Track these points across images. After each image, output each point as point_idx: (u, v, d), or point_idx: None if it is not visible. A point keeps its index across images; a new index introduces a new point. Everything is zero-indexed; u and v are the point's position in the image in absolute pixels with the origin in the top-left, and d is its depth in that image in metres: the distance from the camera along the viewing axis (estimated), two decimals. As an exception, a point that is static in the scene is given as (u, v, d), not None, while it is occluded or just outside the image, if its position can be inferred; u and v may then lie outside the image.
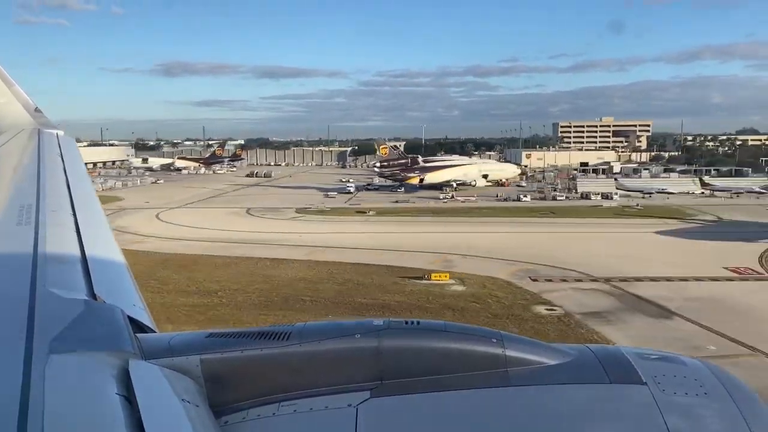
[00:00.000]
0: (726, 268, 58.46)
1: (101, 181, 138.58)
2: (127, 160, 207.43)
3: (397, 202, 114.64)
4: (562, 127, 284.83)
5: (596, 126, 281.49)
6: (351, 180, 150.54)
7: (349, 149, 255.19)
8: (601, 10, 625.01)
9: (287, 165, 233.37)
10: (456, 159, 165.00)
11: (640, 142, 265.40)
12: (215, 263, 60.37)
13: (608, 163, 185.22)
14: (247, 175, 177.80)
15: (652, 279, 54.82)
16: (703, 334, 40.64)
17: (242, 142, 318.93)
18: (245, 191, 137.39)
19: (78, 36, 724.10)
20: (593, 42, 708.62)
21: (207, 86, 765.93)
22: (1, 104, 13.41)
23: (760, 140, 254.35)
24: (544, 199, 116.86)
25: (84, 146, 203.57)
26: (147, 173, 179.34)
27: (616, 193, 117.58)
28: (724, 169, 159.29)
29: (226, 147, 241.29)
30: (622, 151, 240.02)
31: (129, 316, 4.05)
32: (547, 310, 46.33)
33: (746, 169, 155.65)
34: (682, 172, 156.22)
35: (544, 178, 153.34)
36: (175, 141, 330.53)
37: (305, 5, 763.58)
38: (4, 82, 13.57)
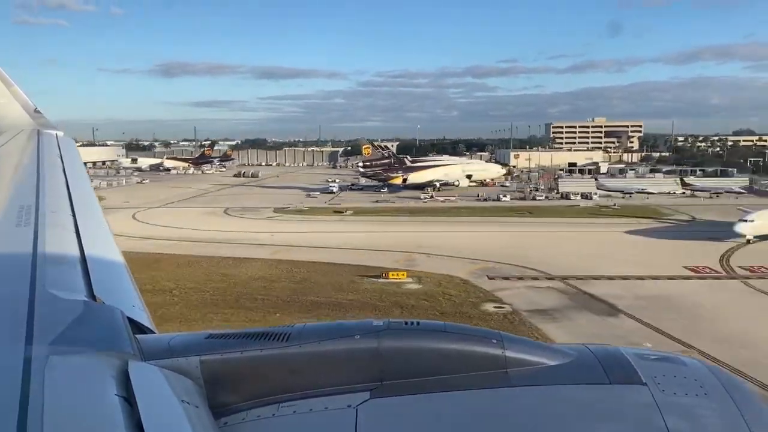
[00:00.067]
0: (686, 267, 58.80)
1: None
2: (117, 160, 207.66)
3: (377, 202, 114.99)
4: (554, 127, 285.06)
5: (588, 126, 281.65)
6: (337, 180, 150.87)
7: (341, 150, 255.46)
8: (599, 11, 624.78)
9: (278, 165, 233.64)
10: (445, 159, 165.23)
11: (632, 142, 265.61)
12: (178, 262, 60.71)
13: (596, 163, 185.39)
14: (235, 175, 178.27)
15: (609, 278, 55.21)
16: (644, 331, 41.00)
17: (238, 142, 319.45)
18: (229, 191, 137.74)
19: (77, 36, 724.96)
20: (592, 43, 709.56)
21: (206, 87, 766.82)
22: (0, 105, 13.41)
23: (752, 141, 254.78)
24: (524, 199, 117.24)
25: (77, 146, 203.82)
26: (135, 173, 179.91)
27: (596, 194, 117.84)
28: (710, 169, 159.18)
29: (219, 147, 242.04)
30: (614, 152, 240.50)
31: (128, 317, 4.05)
32: (495, 307, 46.70)
33: (731, 169, 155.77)
34: (667, 172, 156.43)
35: (529, 178, 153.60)
36: (171, 141, 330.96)
37: (305, 6, 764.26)
38: (4, 83, 13.57)
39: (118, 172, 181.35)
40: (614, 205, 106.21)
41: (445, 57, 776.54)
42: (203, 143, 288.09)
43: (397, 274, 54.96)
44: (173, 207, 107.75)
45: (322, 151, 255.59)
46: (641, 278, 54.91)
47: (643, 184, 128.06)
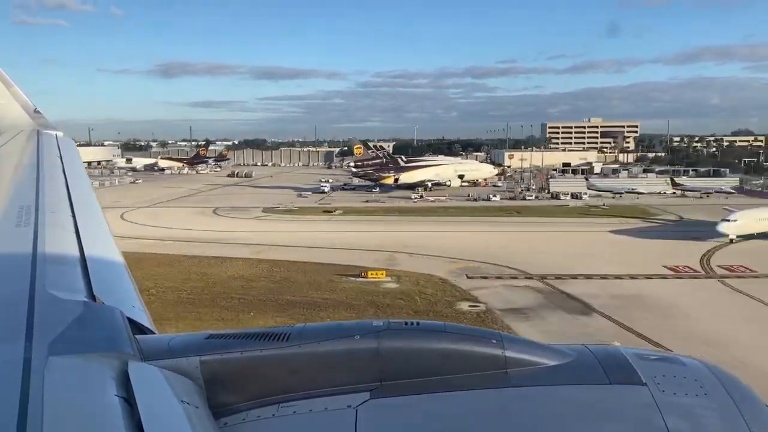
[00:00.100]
0: (665, 267, 58.98)
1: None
2: (112, 160, 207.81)
3: (367, 201, 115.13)
4: (550, 127, 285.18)
5: (584, 127, 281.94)
6: (330, 180, 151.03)
7: (337, 150, 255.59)
8: (599, 11, 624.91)
9: (274, 165, 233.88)
10: (439, 159, 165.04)
11: (628, 143, 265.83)
12: (159, 261, 60.80)
13: (590, 163, 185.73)
14: (228, 175, 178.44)
15: (587, 277, 55.36)
16: (614, 329, 41.13)
17: (234, 142, 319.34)
18: (221, 191, 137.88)
19: (76, 37, 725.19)
20: (592, 43, 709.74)
21: (205, 87, 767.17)
22: (0, 105, 13.41)
23: (748, 141, 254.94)
24: (514, 199, 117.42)
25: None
26: (129, 173, 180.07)
27: (586, 193, 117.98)
28: (703, 169, 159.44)
29: (216, 148, 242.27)
30: (609, 152, 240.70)
31: (128, 318, 4.05)
32: (470, 306, 46.85)
33: (724, 169, 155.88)
34: (660, 172, 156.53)
35: (521, 178, 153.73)
36: (170, 141, 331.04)
37: (304, 6, 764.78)
38: (3, 83, 13.56)
39: (113, 172, 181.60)
40: (603, 205, 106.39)
41: (444, 57, 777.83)
42: (200, 143, 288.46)
43: (376, 274, 55.12)
44: (163, 207, 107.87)
45: (318, 152, 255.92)
46: (619, 277, 55.05)
47: (633, 184, 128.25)
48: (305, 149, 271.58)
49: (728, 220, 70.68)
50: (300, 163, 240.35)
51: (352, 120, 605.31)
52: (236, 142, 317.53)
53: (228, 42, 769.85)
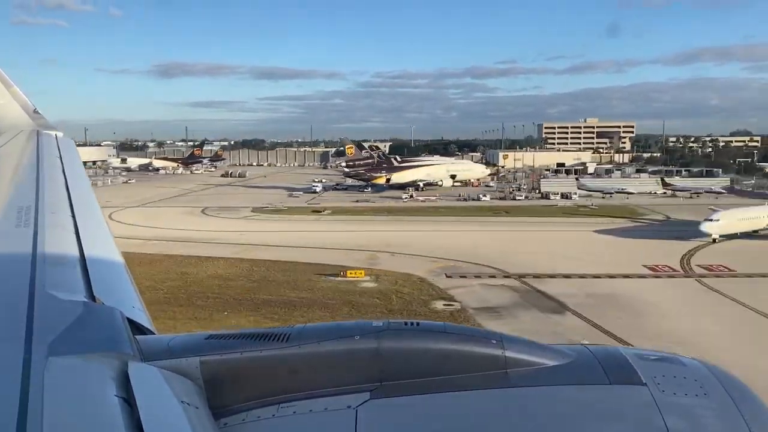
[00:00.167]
0: (645, 266, 59.15)
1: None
2: (107, 160, 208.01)
3: (357, 201, 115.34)
4: (546, 128, 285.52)
5: (580, 127, 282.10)
6: (323, 180, 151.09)
7: (332, 150, 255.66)
8: (598, 12, 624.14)
9: (269, 165, 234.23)
10: (435, 159, 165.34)
11: (624, 143, 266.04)
12: (140, 260, 60.72)
13: (584, 163, 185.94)
14: (222, 175, 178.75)
15: (566, 276, 55.51)
16: (585, 328, 41.31)
17: (230, 142, 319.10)
18: (213, 191, 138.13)
19: (75, 37, 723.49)
20: (591, 44, 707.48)
21: (205, 87, 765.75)
22: None
23: (744, 142, 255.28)
24: (504, 198, 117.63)
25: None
26: (123, 173, 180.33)
27: (575, 193, 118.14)
28: (695, 169, 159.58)
29: (212, 148, 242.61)
30: (605, 152, 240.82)
31: (128, 318, 4.05)
32: (445, 305, 47.03)
33: (717, 169, 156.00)
34: (652, 172, 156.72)
35: (514, 178, 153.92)
36: (168, 141, 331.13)
37: (303, 6, 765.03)
38: (3, 84, 13.55)
39: (107, 172, 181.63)
40: (592, 205, 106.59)
41: (444, 57, 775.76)
42: (196, 143, 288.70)
43: (355, 273, 55.30)
44: (152, 207, 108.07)
45: (314, 152, 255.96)
46: (597, 276, 55.25)
47: (624, 185, 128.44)
48: (301, 149, 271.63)
49: (711, 220, 70.86)
50: (296, 164, 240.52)
51: (351, 120, 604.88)
52: (231, 143, 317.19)
53: (227, 42, 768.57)
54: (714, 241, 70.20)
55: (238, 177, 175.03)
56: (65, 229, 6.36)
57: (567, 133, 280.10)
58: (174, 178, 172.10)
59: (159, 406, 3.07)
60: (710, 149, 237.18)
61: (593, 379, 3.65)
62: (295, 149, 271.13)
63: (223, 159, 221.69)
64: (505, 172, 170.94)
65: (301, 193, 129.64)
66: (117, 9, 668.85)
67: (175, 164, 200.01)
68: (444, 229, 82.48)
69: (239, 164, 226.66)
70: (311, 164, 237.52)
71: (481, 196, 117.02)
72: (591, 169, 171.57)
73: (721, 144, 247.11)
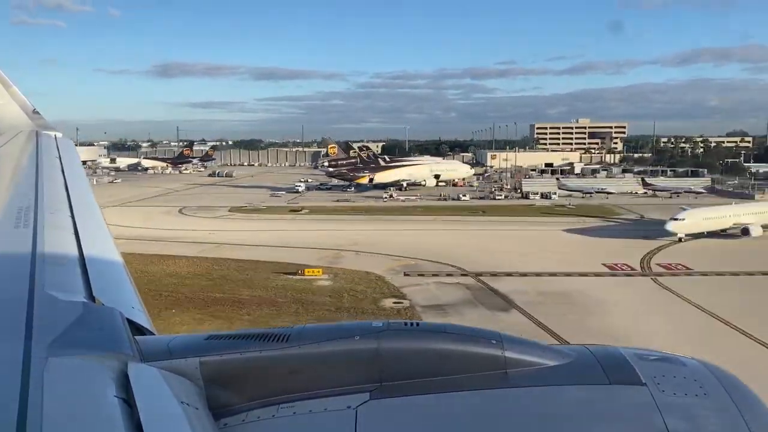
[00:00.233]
0: (604, 265, 59.44)
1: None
2: (96, 160, 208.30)
3: (338, 201, 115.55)
4: (538, 128, 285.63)
5: (572, 128, 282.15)
6: (309, 179, 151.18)
7: (323, 150, 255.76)
8: (598, 13, 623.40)
9: (260, 165, 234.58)
10: (420, 160, 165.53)
11: (616, 143, 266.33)
12: (103, 259, 61.19)
13: (572, 164, 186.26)
14: (210, 175, 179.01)
15: (522, 274, 55.79)
16: (528, 326, 41.46)
17: (224, 143, 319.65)
18: (197, 190, 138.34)
19: (75, 37, 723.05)
20: (590, 45, 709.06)
21: (204, 88, 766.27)
22: None
23: (735, 142, 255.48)
24: (484, 198, 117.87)
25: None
26: (112, 173, 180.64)
27: (555, 193, 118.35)
28: (681, 170, 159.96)
29: (203, 148, 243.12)
30: (596, 153, 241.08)
31: (128, 319, 4.06)
32: (394, 303, 47.30)
33: (702, 170, 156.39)
34: (638, 172, 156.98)
35: (500, 178, 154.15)
36: (164, 141, 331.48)
37: (303, 6, 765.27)
38: (2, 84, 13.59)
39: (95, 172, 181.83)
40: (569, 204, 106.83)
41: (443, 58, 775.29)
42: (188, 143, 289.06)
43: (313, 271, 55.60)
44: (131, 206, 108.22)
45: (305, 152, 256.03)
46: (554, 274, 55.52)
47: (604, 185, 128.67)
48: (293, 150, 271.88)
49: (676, 219, 71.17)
50: (287, 164, 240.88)
51: (351, 121, 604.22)
52: (224, 143, 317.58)
53: (227, 43, 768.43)
54: (680, 240, 70.44)
55: (225, 177, 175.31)
56: (65, 229, 6.36)
57: (559, 133, 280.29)
58: (161, 178, 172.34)
59: (159, 407, 3.07)
60: (702, 149, 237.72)
61: (593, 379, 3.64)
62: (287, 149, 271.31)
63: (214, 159, 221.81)
64: (492, 172, 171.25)
65: (284, 192, 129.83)
66: (116, 9, 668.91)
67: (164, 164, 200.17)
68: (416, 229, 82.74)
69: (231, 164, 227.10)
70: (302, 164, 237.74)
71: (461, 195, 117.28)
72: (578, 170, 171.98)
73: (713, 144, 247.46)
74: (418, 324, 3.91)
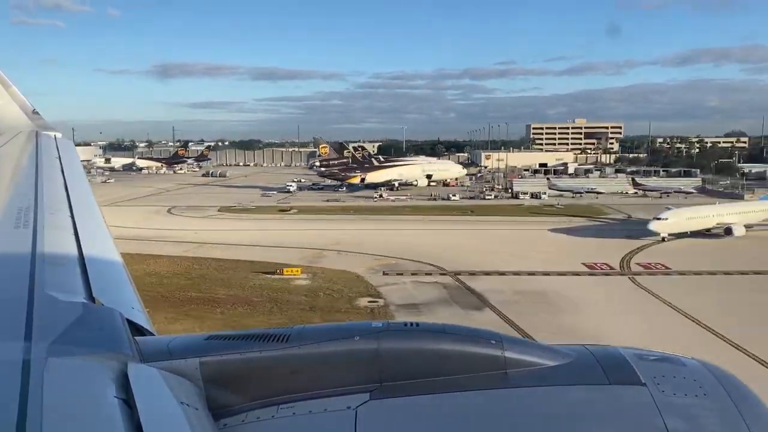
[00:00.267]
0: (584, 264, 59.52)
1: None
2: (91, 160, 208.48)
3: (328, 201, 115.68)
4: (534, 128, 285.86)
5: (568, 128, 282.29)
6: (302, 179, 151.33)
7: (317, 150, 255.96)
8: (597, 14, 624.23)
9: (256, 165, 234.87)
10: (414, 160, 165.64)
11: (612, 144, 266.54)
12: (84, 258, 61.35)
13: (565, 164, 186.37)
14: (203, 175, 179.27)
15: (501, 273, 55.91)
16: (499, 324, 41.39)
17: (219, 143, 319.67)
18: (189, 190, 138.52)
19: (74, 37, 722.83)
20: (589, 45, 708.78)
21: (203, 88, 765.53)
22: None
23: (731, 142, 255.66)
24: (474, 198, 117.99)
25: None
26: (106, 173, 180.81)
27: (545, 193, 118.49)
28: (674, 170, 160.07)
29: (198, 147, 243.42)
30: (592, 153, 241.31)
31: (127, 319, 4.07)
32: (369, 302, 47.43)
33: (694, 170, 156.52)
34: (631, 172, 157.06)
35: (492, 178, 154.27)
36: (163, 141, 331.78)
37: (302, 7, 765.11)
38: (2, 84, 13.60)
39: (89, 172, 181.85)
40: (558, 204, 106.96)
41: (442, 58, 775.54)
42: (183, 143, 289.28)
43: (292, 271, 55.76)
44: (120, 206, 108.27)
45: (300, 152, 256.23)
46: (532, 274, 55.63)
47: (594, 184, 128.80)
48: (289, 150, 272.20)
49: (659, 219, 71.24)
50: (283, 164, 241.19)
51: (351, 121, 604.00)
52: (219, 143, 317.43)
53: (226, 43, 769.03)
54: (663, 239, 70.55)
55: (219, 177, 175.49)
56: (64, 230, 6.36)
57: (555, 133, 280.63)
58: (155, 178, 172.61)
59: (158, 408, 3.07)
60: (698, 150, 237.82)
61: (593, 379, 3.64)
62: (282, 150, 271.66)
63: (209, 159, 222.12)
64: (485, 172, 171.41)
65: (275, 192, 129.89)
66: (115, 9, 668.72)
67: (158, 164, 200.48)
68: (402, 228, 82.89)
69: (227, 164, 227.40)
70: (298, 164, 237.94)
71: (451, 195, 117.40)
72: (571, 170, 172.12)
73: (708, 145, 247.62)
74: (417, 324, 3.89)
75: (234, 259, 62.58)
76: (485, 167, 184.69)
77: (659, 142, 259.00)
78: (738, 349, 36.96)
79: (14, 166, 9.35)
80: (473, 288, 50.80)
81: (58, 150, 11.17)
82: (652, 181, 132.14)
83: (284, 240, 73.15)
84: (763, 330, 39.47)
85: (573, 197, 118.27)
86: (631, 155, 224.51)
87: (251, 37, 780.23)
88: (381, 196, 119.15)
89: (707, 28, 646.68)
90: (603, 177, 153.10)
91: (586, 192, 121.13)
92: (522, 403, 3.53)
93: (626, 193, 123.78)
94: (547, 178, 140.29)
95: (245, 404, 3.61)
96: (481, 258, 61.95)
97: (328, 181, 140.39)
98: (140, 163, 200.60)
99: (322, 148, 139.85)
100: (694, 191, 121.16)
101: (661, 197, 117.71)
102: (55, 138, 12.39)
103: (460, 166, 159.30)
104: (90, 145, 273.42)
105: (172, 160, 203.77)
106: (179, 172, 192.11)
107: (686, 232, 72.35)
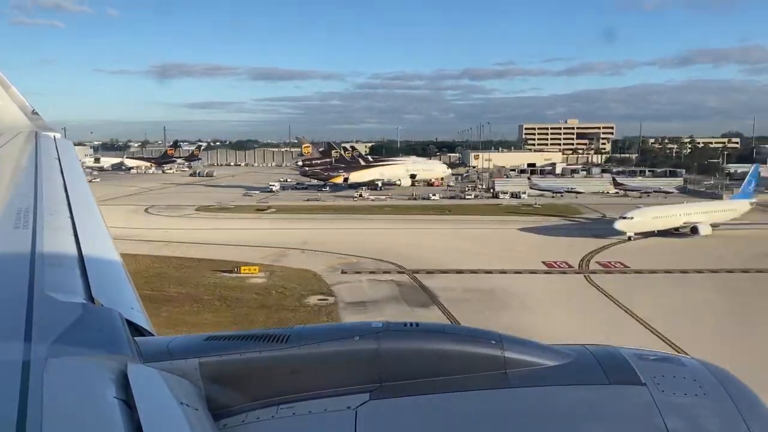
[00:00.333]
0: (543, 262, 59.69)
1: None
2: (81, 160, 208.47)
3: (308, 200, 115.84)
4: (526, 128, 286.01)
5: (560, 128, 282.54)
6: (288, 179, 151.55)
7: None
8: (596, 15, 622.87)
9: (247, 165, 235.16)
10: (401, 160, 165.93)
11: (604, 144, 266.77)
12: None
13: (553, 164, 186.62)
14: (191, 175, 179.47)
15: (458, 271, 56.08)
16: (440, 320, 41.71)
17: (210, 143, 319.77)
18: (173, 189, 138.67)
19: (73, 38, 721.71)
20: (588, 46, 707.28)
21: (202, 88, 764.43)
22: None
23: (722, 143, 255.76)
24: (453, 198, 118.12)
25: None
26: (94, 172, 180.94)
27: (525, 193, 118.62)
28: (659, 170, 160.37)
29: (189, 147, 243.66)
30: (584, 153, 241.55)
31: (127, 320, 4.08)
32: (319, 300, 47.63)
33: (680, 170, 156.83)
34: (617, 172, 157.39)
35: (478, 178, 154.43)
36: (158, 141, 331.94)
37: (302, 7, 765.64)
38: (1, 85, 13.65)
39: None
40: (536, 204, 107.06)
41: (441, 59, 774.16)
42: (173, 143, 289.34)
43: (249, 269, 55.96)
44: (100, 204, 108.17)
45: (291, 152, 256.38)
46: (489, 272, 55.76)
47: (575, 184, 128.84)
48: (281, 150, 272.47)
49: (625, 218, 71.37)
50: (273, 164, 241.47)
51: (350, 121, 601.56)
52: (211, 143, 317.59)
53: (225, 43, 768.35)
54: (629, 238, 70.68)
55: (206, 176, 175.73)
56: (64, 230, 6.38)
57: (547, 134, 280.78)
58: (142, 178, 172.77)
59: (158, 408, 3.08)
60: (689, 150, 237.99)
61: (593, 379, 3.65)
62: (273, 150, 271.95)
63: (200, 159, 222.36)
64: (473, 172, 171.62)
65: (258, 192, 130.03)
66: (114, 9, 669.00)
67: (147, 164, 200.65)
68: (375, 227, 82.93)
69: (218, 164, 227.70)
70: (288, 164, 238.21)
71: (431, 195, 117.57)
72: (559, 170, 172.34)
73: (700, 145, 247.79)
74: (417, 324, 3.91)
75: (196, 257, 62.79)
76: (474, 167, 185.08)
77: (651, 143, 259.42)
78: (664, 341, 37.26)
79: (14, 167, 9.42)
80: (427, 286, 50.97)
81: (57, 150, 11.27)
82: (631, 181, 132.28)
83: (254, 239, 73.23)
84: (687, 321, 40.24)
85: (553, 197, 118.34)
86: (621, 155, 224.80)
87: (250, 38, 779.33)
88: (361, 195, 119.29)
89: (706, 28, 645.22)
90: (588, 177, 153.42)
91: (567, 192, 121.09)
92: (522, 403, 3.54)
93: (607, 192, 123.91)
94: (528, 178, 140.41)
95: (245, 404, 3.62)
96: (443, 256, 62.12)
97: (314, 181, 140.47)
98: (129, 162, 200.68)
99: (305, 147, 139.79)
100: (674, 191, 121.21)
101: (641, 197, 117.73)
102: (55, 138, 12.51)
103: (445, 166, 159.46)
104: (83, 144, 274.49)
105: (161, 160, 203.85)
106: (168, 171, 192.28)
107: (653, 231, 72.51)
